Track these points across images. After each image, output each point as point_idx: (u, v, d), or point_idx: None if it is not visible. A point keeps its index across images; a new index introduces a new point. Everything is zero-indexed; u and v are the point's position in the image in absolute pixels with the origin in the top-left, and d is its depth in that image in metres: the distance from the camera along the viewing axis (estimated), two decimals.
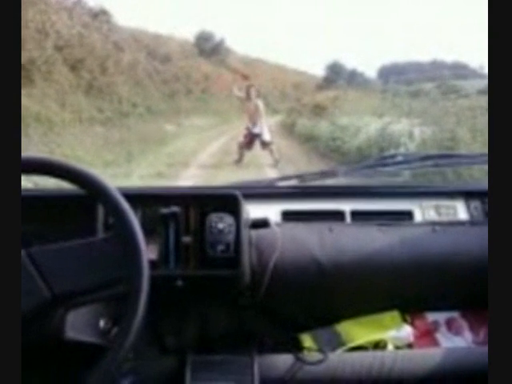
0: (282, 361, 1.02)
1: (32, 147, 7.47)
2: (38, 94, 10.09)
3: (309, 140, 10.45)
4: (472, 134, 6.47)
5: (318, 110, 13.67)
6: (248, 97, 7.52)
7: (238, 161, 7.20)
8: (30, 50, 10.35)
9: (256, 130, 7.29)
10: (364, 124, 9.23)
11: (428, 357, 1.02)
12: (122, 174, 6.71)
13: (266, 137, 7.35)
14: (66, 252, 0.72)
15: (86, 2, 14.63)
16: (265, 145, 7.36)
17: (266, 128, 7.53)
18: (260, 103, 7.48)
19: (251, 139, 7.35)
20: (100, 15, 14.67)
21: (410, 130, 7.67)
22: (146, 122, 12.64)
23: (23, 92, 9.25)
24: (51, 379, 1.00)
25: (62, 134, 9.29)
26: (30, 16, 10.78)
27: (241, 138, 7.45)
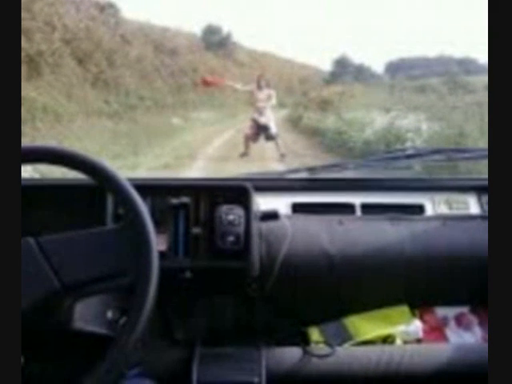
0: (290, 354, 1.01)
1: (39, 139, 7.51)
2: (46, 86, 10.13)
3: (315, 134, 10.42)
4: (480, 130, 6.42)
5: (325, 105, 13.61)
6: (259, 86, 7.39)
7: (244, 154, 7.14)
8: (37, 43, 10.37)
9: (263, 120, 7.17)
10: (370, 119, 9.21)
11: (437, 352, 1.01)
12: (129, 165, 6.73)
13: (273, 129, 7.25)
14: (76, 241, 0.72)
15: None
16: (270, 137, 7.27)
17: (273, 120, 7.44)
18: (272, 92, 7.36)
19: (257, 130, 7.25)
20: (107, 8, 14.66)
21: (417, 125, 7.63)
22: (153, 115, 12.67)
23: (30, 84, 9.29)
24: (59, 369, 1.00)
25: (69, 126, 9.33)
26: (37, 8, 10.78)
27: (247, 130, 7.36)
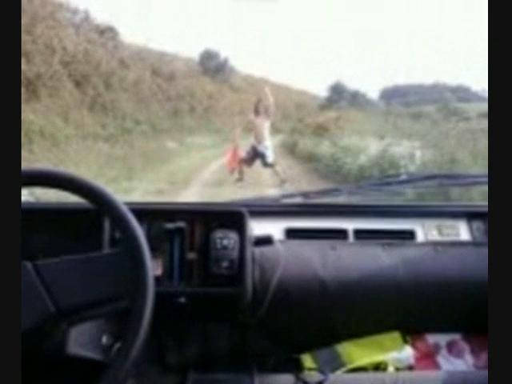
0: (283, 381, 1.02)
1: (36, 162, 7.52)
2: (43, 109, 10.19)
3: (310, 160, 10.49)
4: (472, 157, 6.50)
5: (320, 131, 13.77)
6: (256, 112, 7.37)
7: (239, 179, 7.16)
8: (37, 65, 10.50)
9: (260, 149, 7.16)
10: (365, 145, 9.28)
11: (428, 379, 1.02)
12: (123, 190, 6.72)
13: (270, 159, 7.21)
14: (73, 266, 0.73)
15: (94, 18, 14.89)
16: (267, 165, 7.26)
17: (271, 149, 7.40)
18: (266, 122, 7.31)
19: (253, 156, 7.23)
20: (106, 32, 14.92)
21: (410, 153, 7.70)
22: (149, 139, 12.73)
23: (28, 107, 9.36)
24: None
25: (66, 150, 9.35)
26: (38, 31, 10.97)
27: (242, 154, 7.32)
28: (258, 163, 7.36)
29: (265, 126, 7.26)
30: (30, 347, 0.72)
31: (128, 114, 13.54)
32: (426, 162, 7.03)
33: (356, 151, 9.00)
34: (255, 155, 7.22)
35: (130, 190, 6.80)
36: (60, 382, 0.99)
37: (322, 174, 8.66)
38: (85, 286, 0.71)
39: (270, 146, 7.33)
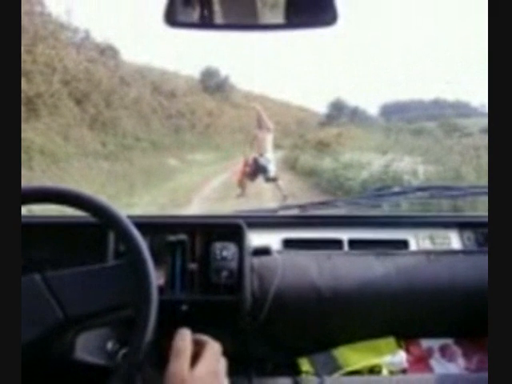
0: None
1: (36, 180, 7.60)
2: (43, 128, 10.31)
3: (311, 176, 10.54)
4: (477, 174, 6.53)
5: (321, 147, 13.89)
6: (259, 125, 7.43)
7: (241, 195, 7.18)
8: (37, 84, 10.67)
9: (262, 162, 7.17)
10: (367, 161, 9.36)
11: (422, 382, 1.07)
12: (123, 207, 6.77)
13: (272, 173, 7.22)
14: (79, 277, 0.77)
15: (94, 37, 15.17)
16: (269, 180, 7.29)
17: (273, 163, 7.40)
18: (269, 136, 7.33)
19: (255, 170, 7.24)
20: (107, 51, 15.18)
21: (413, 168, 7.77)
22: (149, 156, 12.84)
23: (28, 126, 9.49)
24: None
25: (66, 168, 9.44)
26: (39, 51, 11.18)
27: (244, 167, 7.34)
28: (260, 179, 7.38)
29: (267, 139, 7.29)
30: (41, 353, 0.77)
31: (128, 132, 13.69)
32: (429, 178, 7.01)
33: (358, 167, 9.07)
34: (257, 169, 7.23)
35: (131, 206, 6.85)
36: None
37: (324, 189, 8.70)
38: (91, 296, 0.75)
39: (271, 159, 7.34)
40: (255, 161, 7.27)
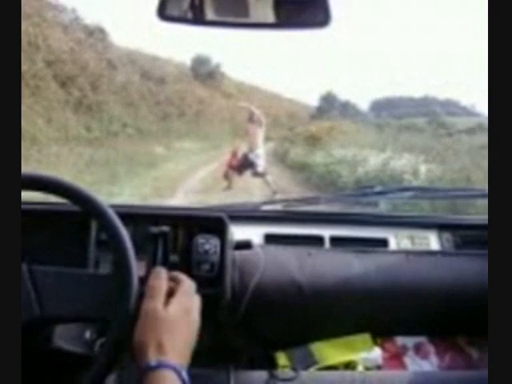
0: (257, 377, 1.11)
1: None
2: (24, 109, 10.18)
3: (302, 170, 10.50)
4: (485, 174, 6.50)
5: (313, 140, 13.93)
6: (251, 119, 7.46)
7: (228, 187, 7.18)
8: None
9: (251, 157, 7.19)
10: (362, 158, 9.28)
11: (395, 379, 1.12)
12: (104, 196, 6.67)
13: (260, 168, 7.21)
14: (64, 278, 0.78)
15: (83, 18, 14.96)
16: (258, 175, 7.29)
17: (263, 158, 7.38)
18: (260, 131, 7.34)
19: (243, 165, 7.25)
20: (96, 33, 15.00)
21: (414, 167, 7.65)
22: (135, 143, 12.76)
23: None
24: None
25: (45, 152, 9.33)
26: (23, 28, 11.02)
27: (233, 161, 7.35)
28: (248, 173, 7.36)
29: (258, 133, 7.31)
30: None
31: (115, 117, 13.57)
32: (432, 179, 6.84)
33: (353, 164, 8.98)
34: (245, 163, 7.25)
35: (112, 196, 6.79)
36: (46, 374, 1.07)
37: (315, 185, 8.66)
38: (71, 301, 0.76)
39: (261, 154, 7.35)
40: (244, 156, 7.29)
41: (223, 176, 7.41)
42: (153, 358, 0.66)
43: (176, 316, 0.71)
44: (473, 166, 7.03)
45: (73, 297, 0.76)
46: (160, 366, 0.65)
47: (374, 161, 8.75)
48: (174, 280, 0.76)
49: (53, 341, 0.94)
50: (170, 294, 0.74)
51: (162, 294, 0.72)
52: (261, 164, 7.26)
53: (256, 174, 7.30)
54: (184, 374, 0.67)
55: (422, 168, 7.51)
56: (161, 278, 0.75)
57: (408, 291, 1.19)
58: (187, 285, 0.76)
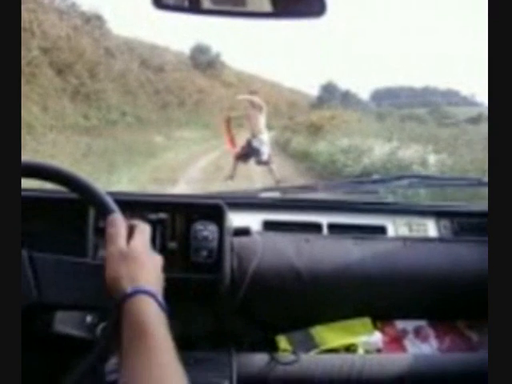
0: (259, 360, 1.14)
1: None
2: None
3: (304, 159, 10.41)
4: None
5: (314, 129, 13.90)
6: (252, 103, 7.29)
7: (230, 177, 7.06)
8: None
9: (255, 144, 7.04)
10: (368, 147, 9.12)
11: (395, 362, 1.15)
12: (102, 184, 6.63)
13: (265, 156, 7.06)
14: (65, 266, 0.78)
15: (80, 5, 14.84)
16: (262, 163, 7.16)
17: (267, 144, 7.21)
18: (262, 116, 7.17)
19: (248, 152, 7.10)
20: (93, 20, 14.89)
21: (422, 157, 7.51)
22: (134, 132, 12.72)
23: None
24: (42, 369, 1.07)
25: (41, 140, 9.29)
26: None
27: (237, 149, 7.20)
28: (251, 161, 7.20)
29: (260, 118, 7.11)
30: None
31: (113, 106, 13.52)
32: (443, 170, 6.65)
33: (358, 153, 8.83)
34: (250, 151, 7.05)
35: (110, 185, 6.76)
36: (47, 357, 1.09)
37: (318, 174, 8.58)
38: (71, 289, 0.77)
39: (266, 141, 7.16)
40: (248, 142, 7.15)
41: (232, 169, 7.23)
42: (128, 286, 0.69)
43: (140, 252, 0.73)
44: (485, 157, 6.73)
45: (72, 285, 0.77)
46: (136, 291, 0.68)
47: (379, 150, 8.63)
48: (129, 226, 0.78)
49: (53, 325, 0.96)
50: (129, 236, 0.76)
51: (122, 237, 0.74)
52: (265, 151, 7.11)
53: (260, 162, 7.17)
54: (160, 298, 0.70)
55: (431, 158, 7.38)
56: (117, 224, 0.76)
57: (406, 277, 1.22)
58: (144, 227, 0.79)
